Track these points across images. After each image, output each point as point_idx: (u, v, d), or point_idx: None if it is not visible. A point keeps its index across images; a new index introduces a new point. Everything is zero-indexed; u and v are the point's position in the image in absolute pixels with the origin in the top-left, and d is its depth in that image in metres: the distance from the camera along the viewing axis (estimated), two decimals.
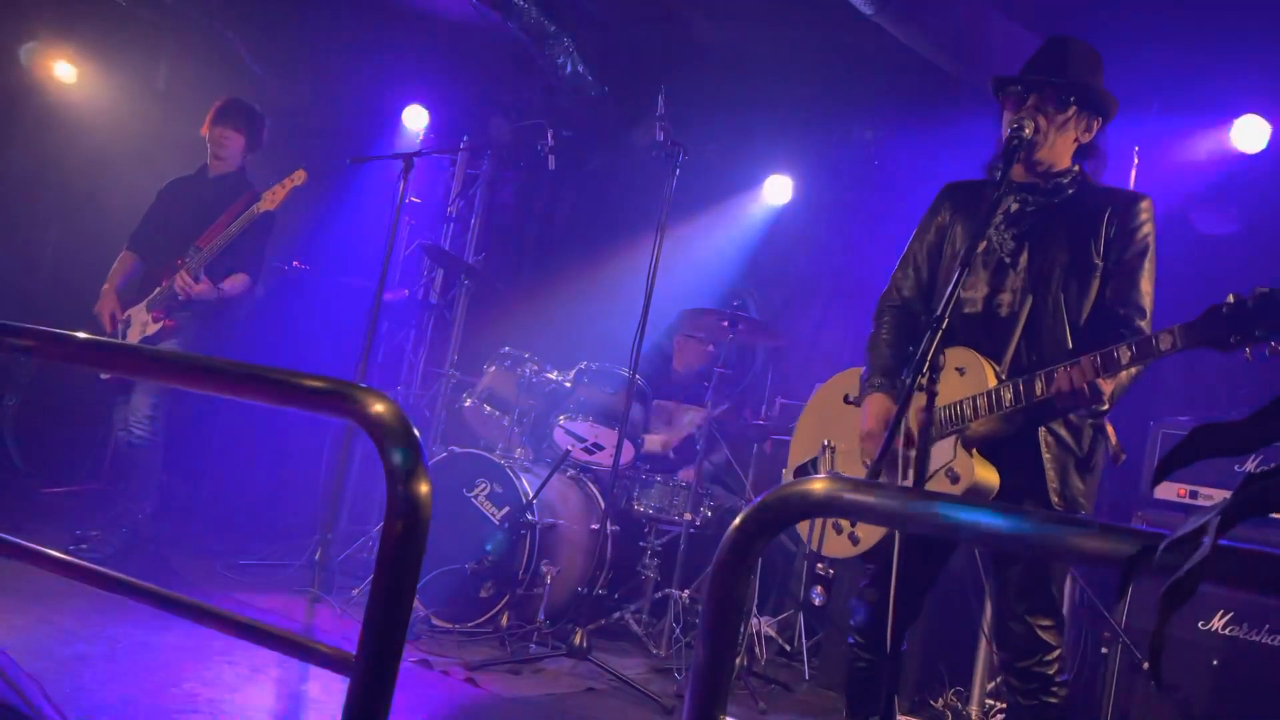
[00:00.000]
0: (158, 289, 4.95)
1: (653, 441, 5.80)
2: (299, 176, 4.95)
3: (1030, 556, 2.54)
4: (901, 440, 2.63)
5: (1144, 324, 2.61)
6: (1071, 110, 2.74)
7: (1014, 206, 2.81)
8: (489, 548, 4.64)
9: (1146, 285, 2.67)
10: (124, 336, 4.95)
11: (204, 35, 7.13)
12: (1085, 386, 2.42)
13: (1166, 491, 4.15)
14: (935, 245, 2.98)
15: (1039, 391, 2.53)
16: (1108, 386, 2.45)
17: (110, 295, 5.07)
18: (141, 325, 4.94)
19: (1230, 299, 2.21)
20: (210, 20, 7.06)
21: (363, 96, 7.60)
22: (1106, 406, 2.50)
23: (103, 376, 4.97)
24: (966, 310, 2.78)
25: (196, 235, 4.93)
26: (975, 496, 2.63)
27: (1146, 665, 3.91)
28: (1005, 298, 2.75)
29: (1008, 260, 2.77)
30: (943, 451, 2.68)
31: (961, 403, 2.65)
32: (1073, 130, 2.77)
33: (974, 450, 2.68)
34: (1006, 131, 2.72)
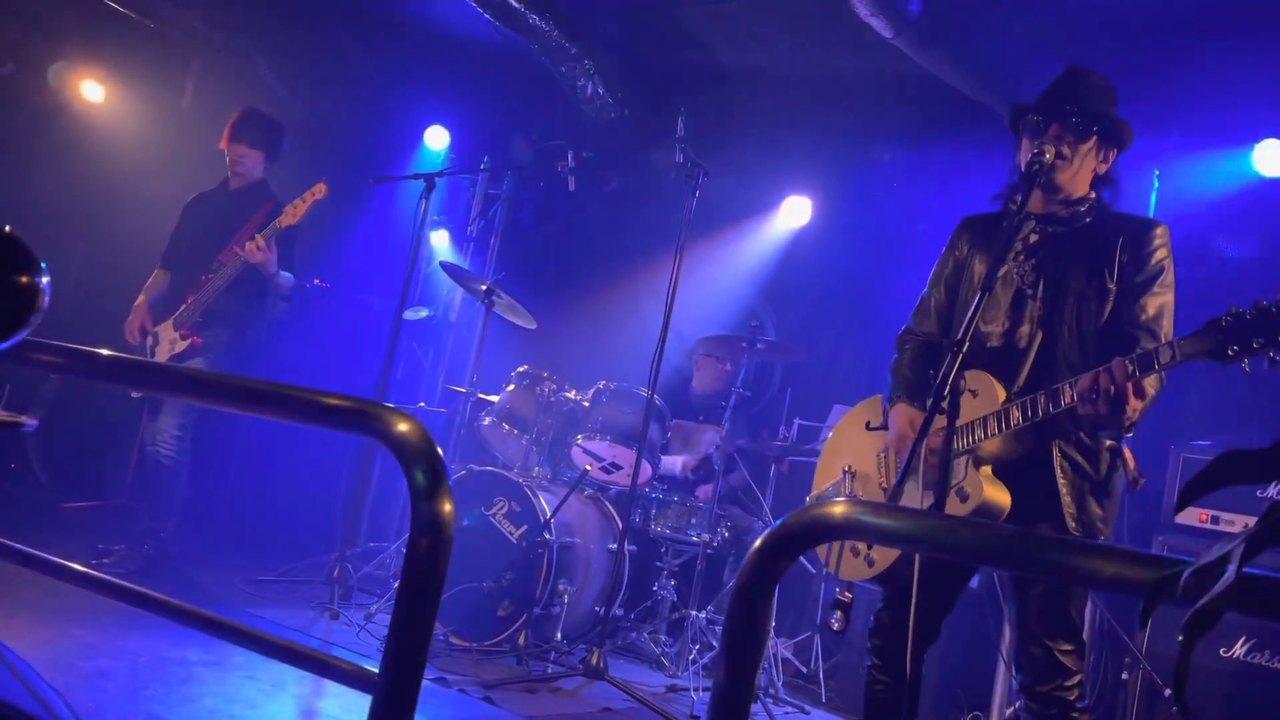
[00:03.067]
0: (183, 306, 4.99)
1: (671, 462, 5.80)
2: (320, 190, 4.97)
3: (1051, 581, 2.53)
4: (921, 462, 2.64)
5: (1154, 345, 2.59)
6: (1093, 140, 2.76)
7: (1034, 237, 2.83)
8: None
9: (1158, 308, 2.65)
10: (152, 353, 4.99)
11: (229, 55, 7.21)
12: (1106, 390, 2.39)
13: (1188, 516, 4.12)
14: (954, 280, 3.00)
15: (1044, 407, 2.53)
16: (1135, 400, 2.41)
17: (141, 309, 5.12)
18: (170, 343, 4.98)
19: (1230, 311, 2.22)
20: (235, 40, 7.14)
21: (385, 116, 7.66)
22: (1132, 419, 2.46)
23: (134, 394, 5.01)
24: (988, 343, 2.79)
25: (220, 249, 4.97)
26: (985, 516, 2.62)
27: (1169, 692, 3.88)
28: (1024, 329, 2.76)
29: (1029, 291, 2.78)
30: (955, 470, 2.68)
31: (973, 423, 2.66)
32: (1092, 160, 2.79)
33: (985, 470, 2.68)
34: (1026, 158, 2.73)
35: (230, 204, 5.19)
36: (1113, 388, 2.36)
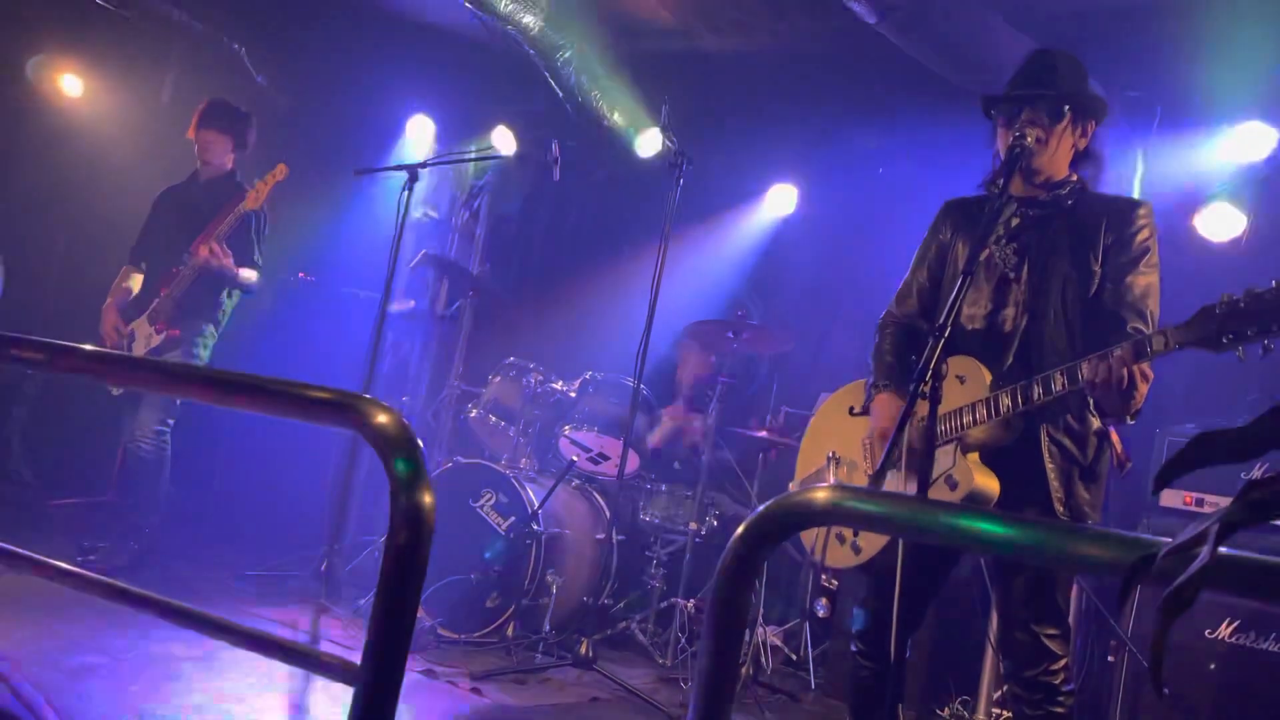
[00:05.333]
0: (157, 300, 4.96)
1: (656, 435, 5.76)
2: (280, 171, 4.95)
3: (1032, 564, 2.53)
4: (904, 448, 2.64)
5: (1142, 325, 2.58)
6: (1067, 119, 2.76)
7: (1015, 221, 2.82)
8: (488, 556, 4.65)
9: (1144, 287, 2.64)
10: (129, 350, 4.95)
11: (209, 47, 7.16)
12: (1120, 377, 2.37)
13: (1173, 499, 4.14)
14: (937, 265, 2.99)
15: (1037, 396, 2.53)
16: (1143, 384, 2.40)
17: (110, 312, 5.07)
18: (146, 338, 4.95)
19: (1223, 299, 2.21)
20: (216, 32, 7.09)
21: (368, 107, 7.62)
22: (1138, 405, 2.45)
23: (114, 391, 4.98)
24: (971, 326, 2.79)
25: (191, 241, 4.94)
26: (974, 503, 2.62)
27: (1149, 672, 3.90)
28: (1009, 312, 2.75)
29: (1011, 275, 2.77)
30: (943, 458, 2.68)
31: (961, 410, 2.66)
32: (1070, 138, 2.78)
33: (973, 456, 2.68)
34: (1004, 145, 2.73)
35: (199, 196, 5.16)
36: (1125, 371, 2.35)
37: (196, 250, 4.83)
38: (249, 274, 5.04)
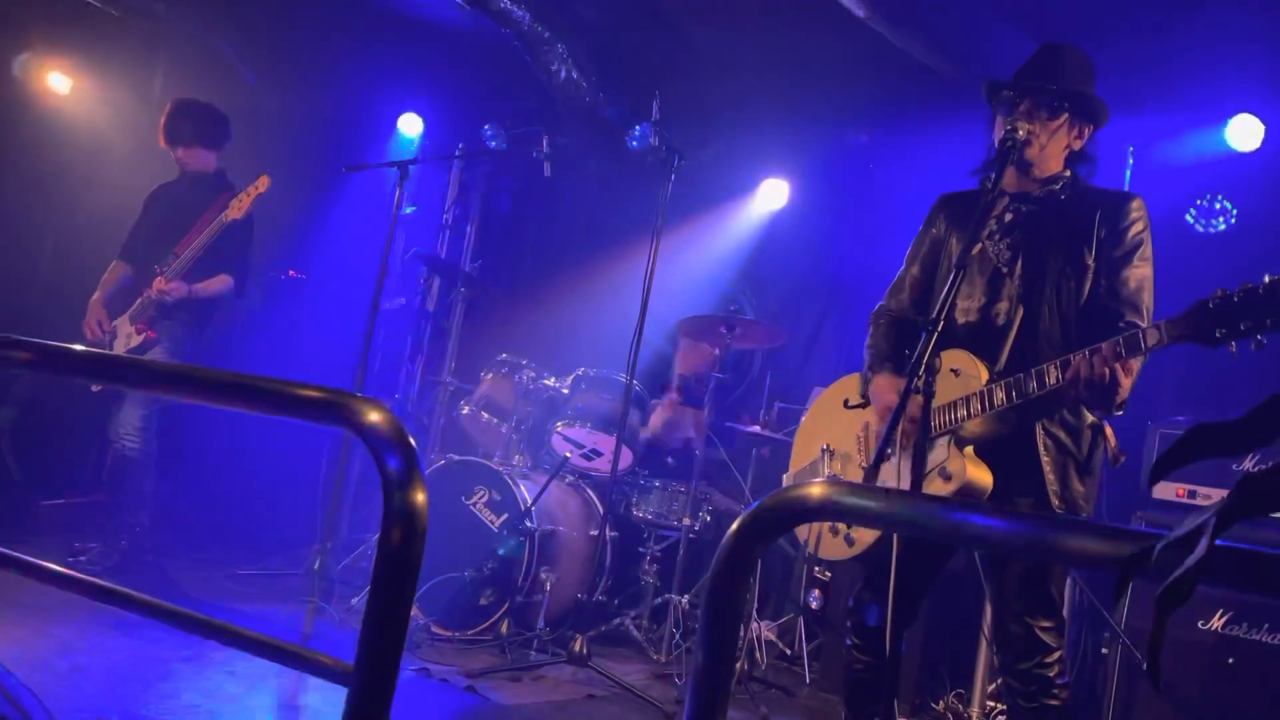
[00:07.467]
0: (139, 299, 4.95)
1: (651, 425, 5.74)
2: (263, 183, 4.92)
3: (1027, 558, 2.53)
4: (898, 441, 2.64)
5: (1137, 319, 2.59)
6: (1064, 117, 2.76)
7: (1008, 216, 2.82)
8: (502, 551, 4.64)
9: (1139, 281, 2.65)
10: (110, 348, 4.94)
11: (198, 45, 7.13)
12: (1100, 375, 2.38)
13: (1165, 491, 4.15)
14: (930, 259, 2.99)
15: (1031, 389, 2.52)
16: (1125, 379, 2.41)
17: (97, 306, 5.06)
18: (126, 337, 4.94)
19: (1217, 294, 2.21)
20: (204, 30, 7.05)
21: (358, 104, 7.59)
22: (1123, 398, 2.46)
23: (93, 388, 4.96)
24: (964, 320, 2.79)
25: (175, 242, 4.92)
26: (968, 496, 2.62)
27: (1146, 666, 3.91)
28: (1002, 306, 2.75)
29: (1004, 270, 2.77)
30: (937, 451, 2.68)
31: (955, 403, 2.66)
32: (1064, 137, 2.79)
33: (967, 450, 2.68)
34: (999, 135, 2.73)
35: (185, 196, 5.15)
36: (1106, 371, 2.36)
37: (153, 285, 4.82)
38: (217, 284, 4.98)
